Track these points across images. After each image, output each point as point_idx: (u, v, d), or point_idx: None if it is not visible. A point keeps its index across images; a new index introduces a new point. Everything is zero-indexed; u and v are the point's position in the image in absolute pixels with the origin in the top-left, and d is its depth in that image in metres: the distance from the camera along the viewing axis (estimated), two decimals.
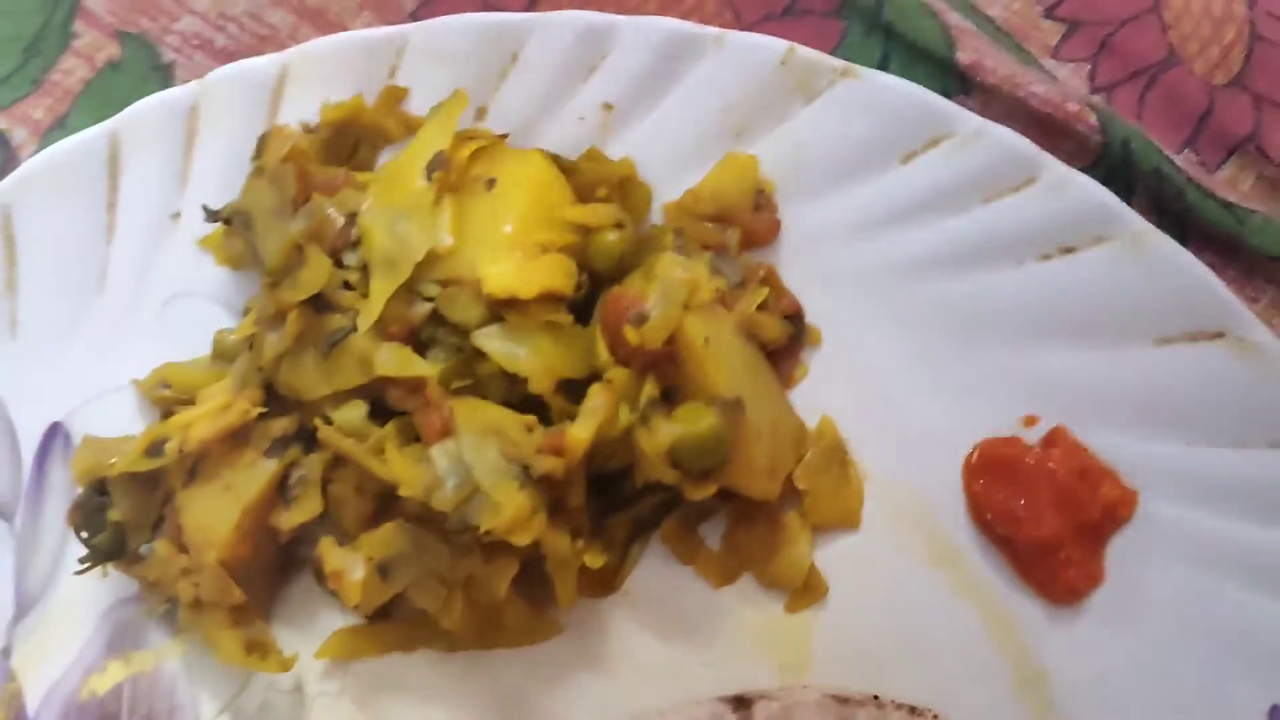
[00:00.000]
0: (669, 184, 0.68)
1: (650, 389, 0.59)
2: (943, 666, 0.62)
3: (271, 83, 0.71)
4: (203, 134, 0.71)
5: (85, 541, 0.62)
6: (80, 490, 0.63)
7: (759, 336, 0.64)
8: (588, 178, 0.66)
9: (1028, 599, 0.62)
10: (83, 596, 0.66)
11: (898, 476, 0.64)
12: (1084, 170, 0.65)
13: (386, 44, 0.70)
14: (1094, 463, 0.62)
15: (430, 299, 0.61)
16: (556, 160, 0.65)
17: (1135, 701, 0.60)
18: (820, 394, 0.66)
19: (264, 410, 0.62)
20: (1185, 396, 0.62)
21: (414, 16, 0.77)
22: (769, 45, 0.68)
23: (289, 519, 0.62)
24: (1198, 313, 0.62)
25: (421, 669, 0.64)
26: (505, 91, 0.70)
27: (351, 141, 0.70)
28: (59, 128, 0.77)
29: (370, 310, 0.60)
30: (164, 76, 0.78)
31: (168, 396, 0.67)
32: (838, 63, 0.67)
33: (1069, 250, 0.64)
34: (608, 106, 0.69)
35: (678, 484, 0.59)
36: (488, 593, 0.59)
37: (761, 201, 0.67)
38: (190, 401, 0.64)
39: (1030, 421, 0.63)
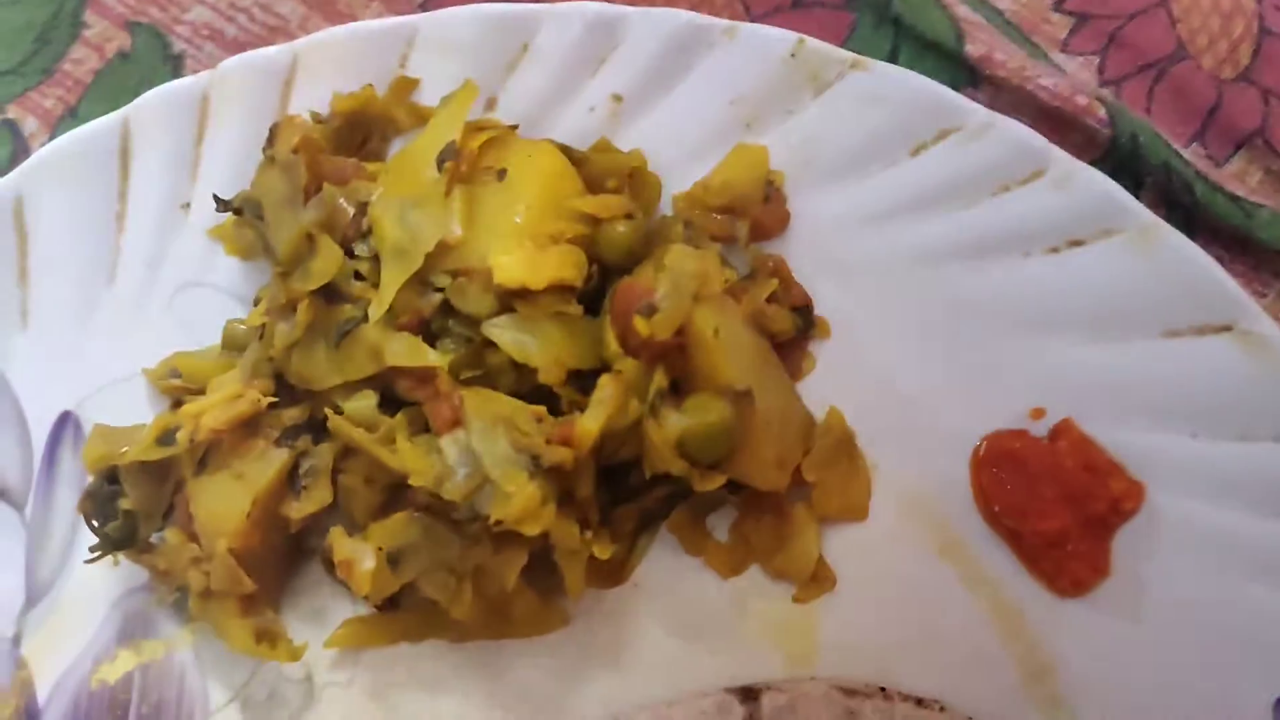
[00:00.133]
0: (679, 175, 0.68)
1: (659, 380, 0.59)
2: (949, 658, 0.62)
3: (282, 73, 0.71)
4: (213, 124, 0.71)
5: (96, 530, 0.63)
6: (91, 479, 0.63)
7: (768, 328, 0.64)
8: (598, 169, 0.66)
9: (1035, 591, 0.62)
10: (93, 585, 0.67)
11: (905, 468, 0.64)
12: (1092, 163, 0.65)
13: (396, 34, 0.70)
14: (1101, 456, 0.62)
15: (441, 289, 0.61)
16: (567, 151, 0.65)
17: (1141, 693, 0.60)
18: (828, 386, 0.66)
19: (274, 400, 0.63)
20: (1192, 390, 0.62)
21: (424, 7, 0.77)
22: (779, 37, 0.68)
23: (299, 509, 0.62)
24: (1205, 306, 0.62)
25: (430, 659, 0.64)
26: (515, 82, 0.70)
27: (362, 132, 0.70)
28: (70, 117, 0.77)
29: (381, 300, 0.61)
30: (174, 67, 0.78)
31: (178, 386, 0.67)
32: (847, 55, 0.67)
33: (1077, 243, 0.64)
34: (618, 97, 0.69)
35: (686, 475, 0.59)
36: (497, 583, 0.60)
37: (771, 193, 0.67)
38: (200, 391, 0.65)
39: (1038, 414, 0.64)
